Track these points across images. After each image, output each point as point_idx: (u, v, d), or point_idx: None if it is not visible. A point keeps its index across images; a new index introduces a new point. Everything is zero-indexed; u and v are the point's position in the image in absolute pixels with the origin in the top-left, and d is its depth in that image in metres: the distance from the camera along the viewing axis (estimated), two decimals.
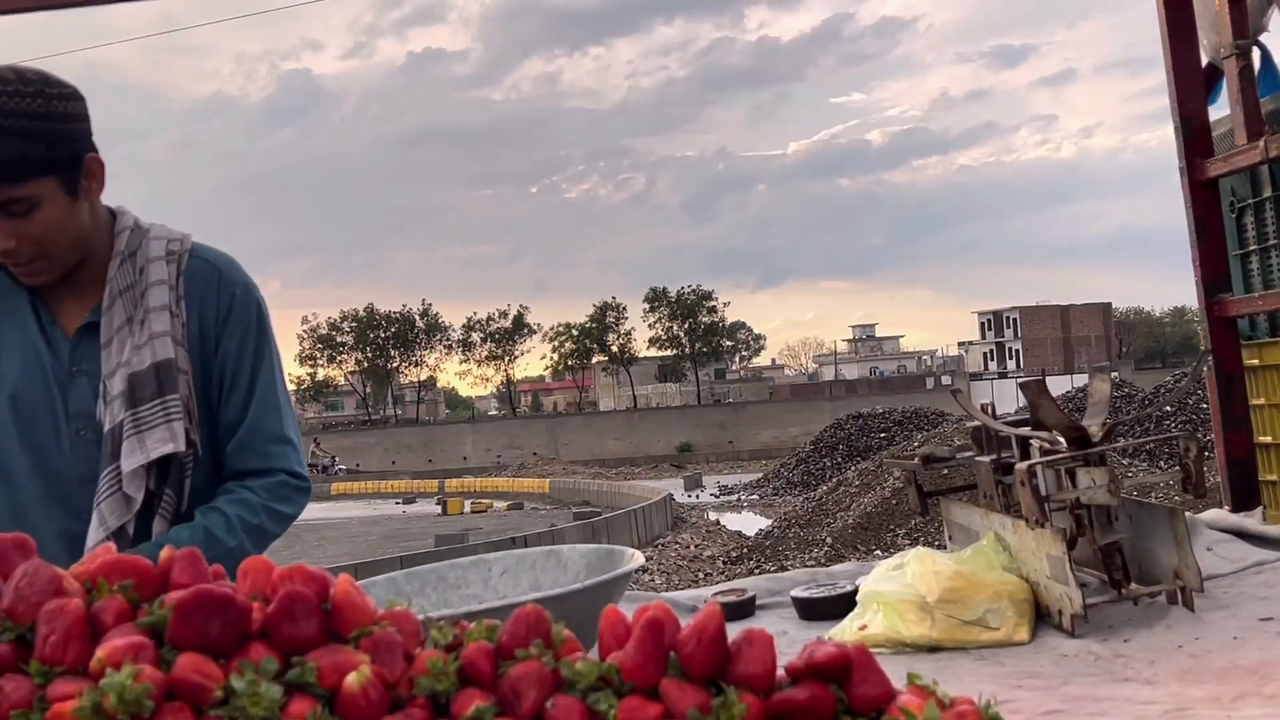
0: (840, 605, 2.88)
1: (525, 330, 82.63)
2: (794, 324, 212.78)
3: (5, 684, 0.89)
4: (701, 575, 16.43)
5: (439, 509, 33.54)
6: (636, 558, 2.10)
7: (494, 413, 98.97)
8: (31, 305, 2.05)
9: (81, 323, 2.05)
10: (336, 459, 57.77)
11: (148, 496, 1.99)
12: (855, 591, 2.82)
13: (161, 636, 0.92)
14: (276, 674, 0.90)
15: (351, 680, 0.89)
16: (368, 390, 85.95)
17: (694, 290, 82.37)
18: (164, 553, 1.01)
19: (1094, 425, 2.78)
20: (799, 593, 3.03)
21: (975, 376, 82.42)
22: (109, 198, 2.09)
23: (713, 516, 26.57)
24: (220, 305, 2.09)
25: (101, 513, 1.95)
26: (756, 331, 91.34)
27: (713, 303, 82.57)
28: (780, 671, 0.94)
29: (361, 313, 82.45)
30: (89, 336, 2.04)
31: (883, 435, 31.22)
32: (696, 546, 20.03)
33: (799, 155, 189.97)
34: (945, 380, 79.16)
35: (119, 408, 1.99)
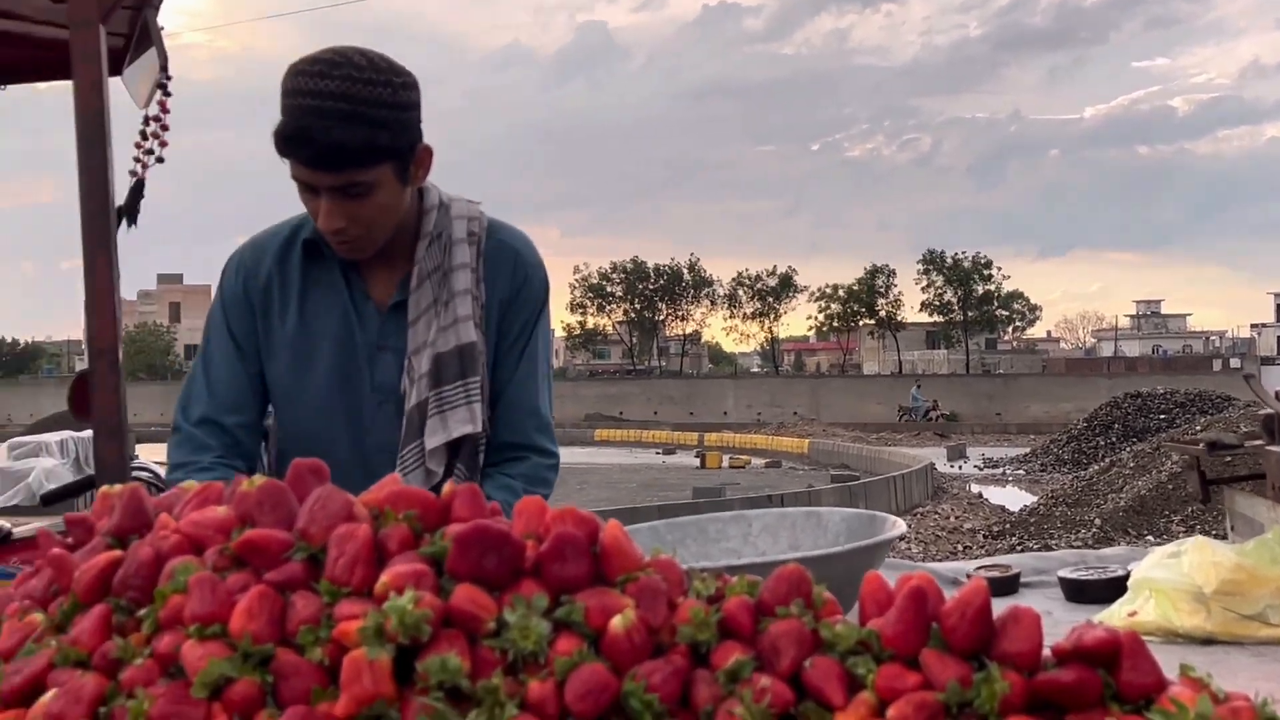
0: (1109, 590, 2.77)
1: (792, 289, 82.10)
2: (1074, 296, 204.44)
3: (297, 600, 0.95)
4: (960, 548, 16.05)
5: (697, 462, 33.87)
6: (899, 525, 2.08)
7: (756, 370, 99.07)
8: (344, 276, 2.15)
9: (391, 301, 2.15)
10: (937, 402, 56.59)
11: (445, 471, 2.10)
12: (1126, 576, 2.71)
13: (440, 566, 0.96)
14: (546, 611, 0.93)
15: (617, 623, 0.92)
16: (634, 340, 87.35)
17: (973, 257, 79.84)
18: (446, 487, 1.06)
19: None
20: (1066, 573, 2.93)
21: (1268, 361, 77.13)
22: None
23: (975, 489, 25.90)
24: (513, 286, 2.18)
25: (407, 484, 2.06)
26: (1034, 302, 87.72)
27: (990, 271, 79.89)
28: (1045, 652, 0.91)
29: (630, 264, 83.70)
30: (396, 314, 2.14)
31: (1162, 417, 29.73)
32: (957, 518, 19.57)
33: (1095, 120, 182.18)
34: (1235, 363, 74.46)
35: (425, 386, 2.09)
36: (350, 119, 1.89)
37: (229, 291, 2.20)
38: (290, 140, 1.92)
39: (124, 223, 3.01)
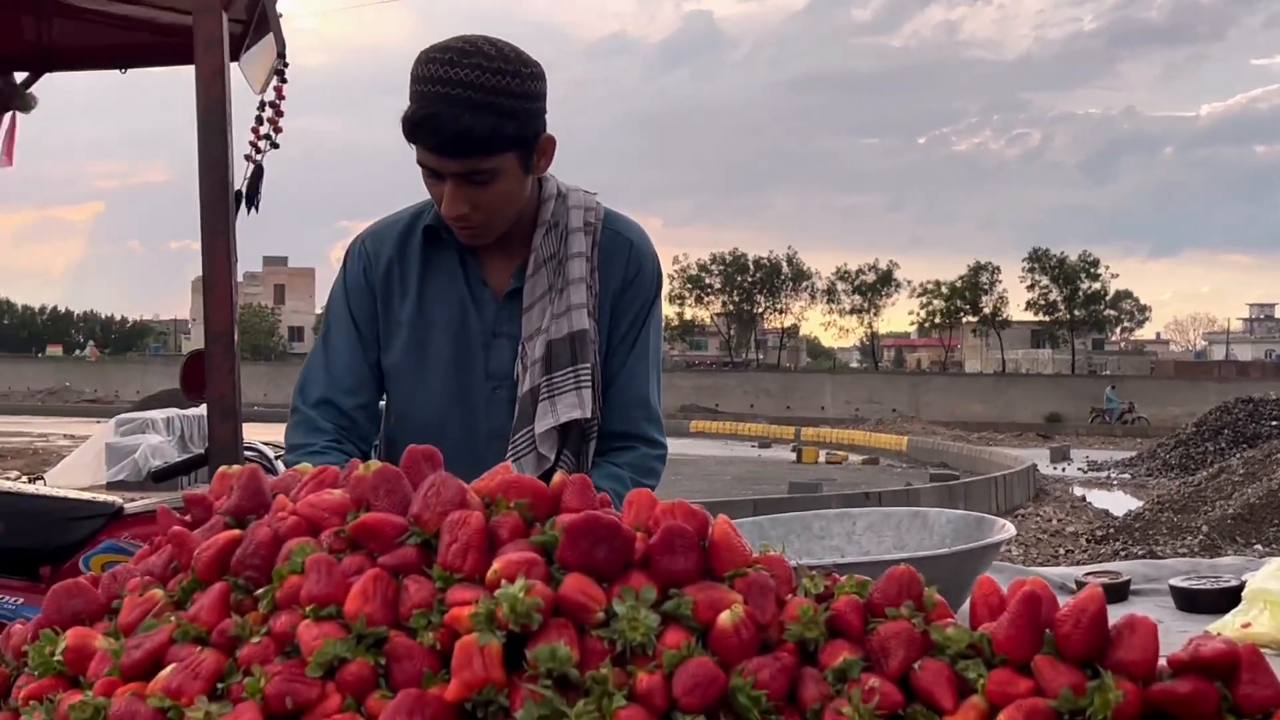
0: (1222, 600, 2.70)
1: (893, 285, 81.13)
2: (1185, 297, 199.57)
3: (410, 584, 0.96)
4: (1062, 551, 15.77)
5: (794, 456, 33.65)
6: (1007, 529, 2.05)
7: (855, 365, 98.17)
8: (461, 263, 2.18)
9: (508, 288, 2.17)
10: (1133, 404, 52.97)
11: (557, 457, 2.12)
12: (1240, 587, 2.64)
13: (551, 555, 0.97)
14: (655, 603, 0.94)
15: (725, 618, 0.92)
16: (732, 333, 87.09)
17: (1080, 255, 78.06)
18: (556, 477, 1.07)
19: None
20: (1178, 582, 2.85)
21: None
22: None
23: (1078, 492, 25.40)
24: (626, 277, 2.20)
25: (520, 468, 2.08)
26: (1143, 302, 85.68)
27: (1097, 270, 78.07)
28: (1161, 662, 0.90)
29: (729, 256, 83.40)
30: (511, 300, 2.17)
31: (1274, 423, 28.90)
32: (1059, 521, 19.19)
33: (1212, 118, 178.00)
34: None
35: (538, 372, 2.12)
36: (478, 107, 1.92)
37: (351, 276, 2.25)
38: (419, 126, 1.95)
39: (245, 208, 3.07)
